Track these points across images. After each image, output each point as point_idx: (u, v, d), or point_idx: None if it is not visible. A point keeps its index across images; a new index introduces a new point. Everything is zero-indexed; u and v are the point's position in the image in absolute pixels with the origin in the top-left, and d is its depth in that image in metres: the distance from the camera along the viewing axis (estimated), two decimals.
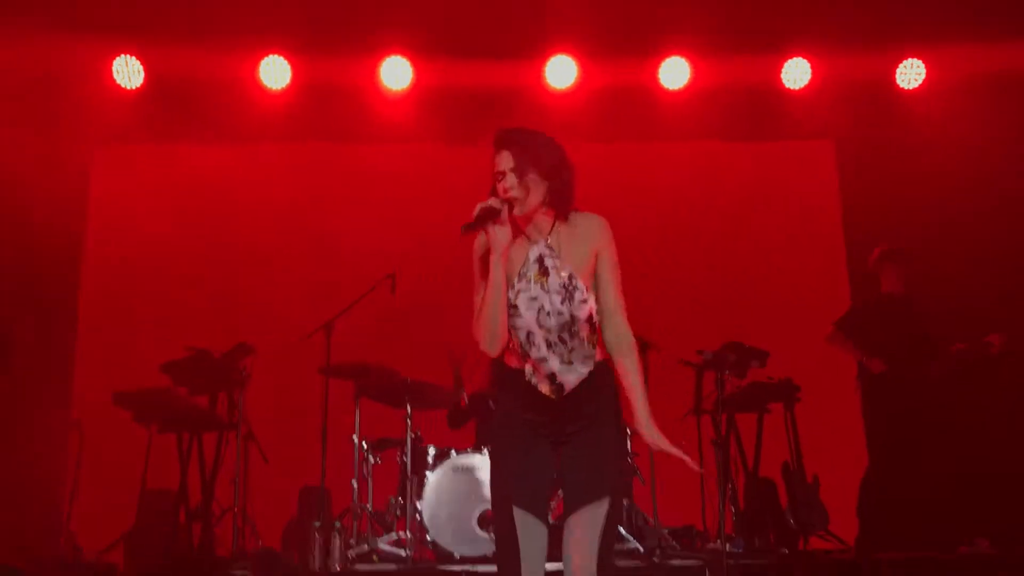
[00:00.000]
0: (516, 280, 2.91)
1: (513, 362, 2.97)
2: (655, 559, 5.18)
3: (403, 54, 7.23)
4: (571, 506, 2.88)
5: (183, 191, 7.18)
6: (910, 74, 7.31)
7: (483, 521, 5.23)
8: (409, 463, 5.48)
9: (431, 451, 5.51)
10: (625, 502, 5.54)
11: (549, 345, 2.88)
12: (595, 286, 2.95)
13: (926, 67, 7.27)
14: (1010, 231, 6.80)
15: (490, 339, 2.87)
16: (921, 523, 5.45)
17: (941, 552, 5.15)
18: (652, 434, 2.96)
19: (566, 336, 2.88)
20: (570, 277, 2.89)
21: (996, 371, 5.70)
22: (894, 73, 7.32)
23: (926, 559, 5.02)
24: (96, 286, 7.14)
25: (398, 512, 5.53)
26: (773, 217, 7.47)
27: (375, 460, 5.71)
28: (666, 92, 7.40)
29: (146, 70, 7.13)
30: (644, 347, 5.69)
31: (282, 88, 7.24)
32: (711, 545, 5.69)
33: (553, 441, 2.94)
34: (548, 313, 2.87)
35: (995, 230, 6.81)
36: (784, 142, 7.64)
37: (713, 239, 7.41)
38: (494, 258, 2.82)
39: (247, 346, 5.73)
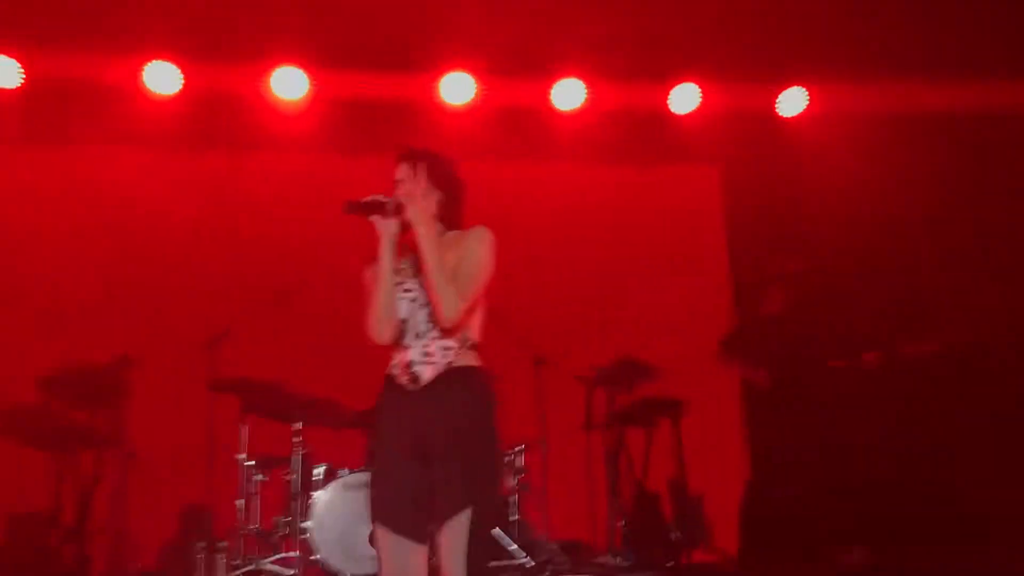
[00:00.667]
0: (397, 275, 3.07)
1: (390, 368, 3.07)
2: (547, 574, 5.21)
3: (298, 64, 7.12)
4: (436, 521, 2.91)
5: (62, 195, 6.87)
6: (792, 102, 7.60)
7: (374, 540, 5.16)
8: (299, 481, 5.37)
9: (320, 469, 5.42)
10: (515, 517, 5.58)
11: (416, 335, 3.01)
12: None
13: (809, 96, 7.58)
14: (886, 255, 7.13)
15: (377, 325, 3.00)
16: (800, 533, 5.63)
17: (821, 560, 5.34)
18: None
19: (430, 325, 3.01)
20: None
21: (871, 386, 5.96)
22: (775, 101, 7.61)
23: (806, 569, 5.20)
24: None
25: (286, 531, 5.41)
26: (661, 238, 7.66)
27: (262, 478, 5.57)
28: (559, 114, 7.51)
29: (26, 71, 6.82)
30: (538, 362, 5.76)
31: (172, 95, 7.04)
32: (600, 559, 5.77)
33: (423, 455, 2.94)
34: (421, 304, 3.03)
35: (871, 254, 7.14)
36: (672, 166, 7.85)
37: (603, 259, 7.52)
38: (381, 247, 3.01)
39: (127, 358, 5.52)
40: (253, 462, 5.53)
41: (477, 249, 3.05)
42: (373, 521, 2.95)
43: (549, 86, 7.41)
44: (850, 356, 5.89)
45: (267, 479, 5.56)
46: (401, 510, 2.91)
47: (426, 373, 2.97)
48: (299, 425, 5.45)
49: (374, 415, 3.07)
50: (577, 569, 5.45)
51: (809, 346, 5.91)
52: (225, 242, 6.98)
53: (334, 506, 5.23)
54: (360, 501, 5.25)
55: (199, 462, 5.43)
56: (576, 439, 5.97)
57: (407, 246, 3.09)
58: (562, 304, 7.22)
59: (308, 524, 5.20)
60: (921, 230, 7.11)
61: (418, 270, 3.02)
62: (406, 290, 3.06)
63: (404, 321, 3.03)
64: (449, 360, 2.98)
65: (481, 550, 2.89)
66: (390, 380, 3.04)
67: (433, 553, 2.96)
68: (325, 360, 6.49)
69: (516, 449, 5.77)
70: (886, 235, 7.17)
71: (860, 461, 5.85)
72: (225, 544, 5.01)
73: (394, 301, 3.01)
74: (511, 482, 5.76)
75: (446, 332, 3.00)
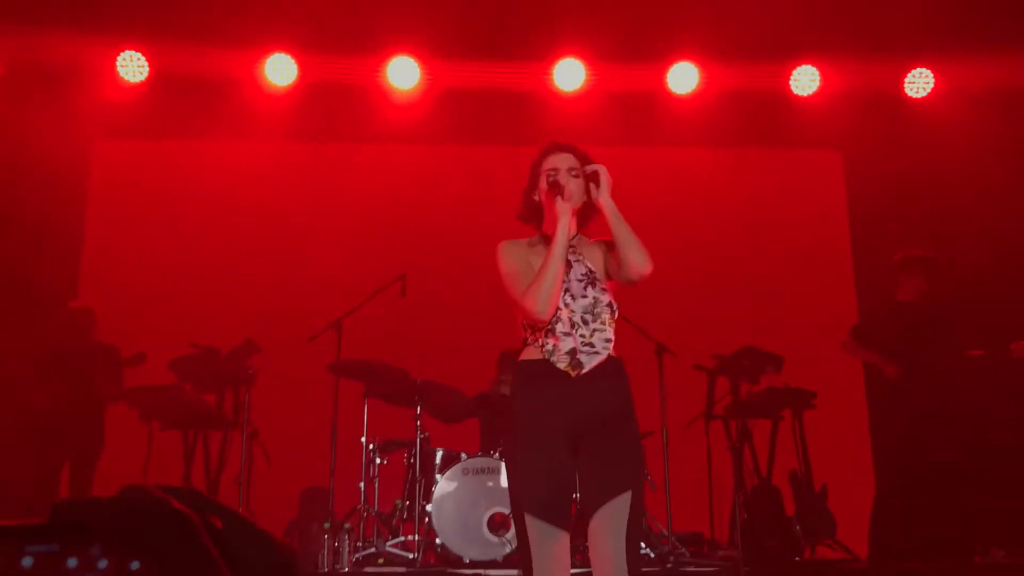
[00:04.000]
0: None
1: (531, 354, 3.10)
2: (668, 566, 5.12)
3: (411, 54, 7.18)
4: (593, 503, 2.91)
5: (188, 188, 7.12)
6: (918, 83, 7.33)
7: (493, 525, 5.16)
8: (417, 464, 5.41)
9: (439, 453, 5.45)
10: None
11: (572, 324, 3.05)
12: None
13: (935, 76, 7.29)
14: (1019, 240, 6.79)
15: (545, 301, 3.00)
16: (934, 532, 5.40)
17: (955, 562, 5.11)
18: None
19: (589, 318, 3.05)
20: (590, 270, 3.13)
21: (1016, 378, 5.66)
22: (903, 82, 7.34)
23: (939, 569, 4.98)
24: (96, 282, 7.02)
25: (404, 515, 5.45)
26: (783, 224, 7.46)
27: (382, 461, 5.62)
28: (674, 97, 7.39)
29: (151, 66, 7.05)
30: (660, 350, 5.65)
31: (288, 86, 7.19)
32: (722, 552, 5.64)
33: (572, 442, 2.99)
34: (573, 296, 3.08)
35: (1003, 239, 6.81)
36: (792, 150, 7.63)
37: (724, 245, 7.38)
38: (560, 226, 3.03)
39: (254, 344, 5.65)
40: (374, 445, 5.58)
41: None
42: (525, 510, 2.94)
43: (664, 70, 7.31)
44: (992, 346, 5.60)
45: (387, 462, 5.61)
46: (554, 499, 2.93)
47: (589, 362, 3.01)
48: (419, 410, 5.47)
49: (517, 399, 3.07)
50: (698, 562, 5.34)
51: (946, 335, 5.64)
52: (346, 230, 7.11)
53: (454, 490, 5.24)
54: (479, 486, 5.25)
55: (321, 445, 5.51)
56: (697, 430, 5.84)
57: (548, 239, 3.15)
58: (684, 292, 7.09)
59: (428, 508, 5.23)
60: None
61: (566, 266, 3.09)
62: None
63: (557, 309, 3.05)
64: (609, 352, 3.06)
65: (638, 534, 2.91)
66: (540, 366, 3.05)
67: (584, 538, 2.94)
68: (440, 346, 6.54)
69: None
70: (1019, 220, 6.82)
71: (998, 457, 5.56)
72: (349, 526, 5.06)
73: (560, 280, 3.04)
74: None
75: (607, 322, 3.06)
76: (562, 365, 3.01)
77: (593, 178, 3.10)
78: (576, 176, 3.15)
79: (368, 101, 7.31)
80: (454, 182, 7.14)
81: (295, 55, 7.14)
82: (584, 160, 3.21)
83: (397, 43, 7.17)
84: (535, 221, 3.25)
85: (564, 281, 3.07)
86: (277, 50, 7.13)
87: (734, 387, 5.53)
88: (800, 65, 7.29)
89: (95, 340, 6.08)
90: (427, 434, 5.54)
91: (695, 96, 7.37)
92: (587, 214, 3.22)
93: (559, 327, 3.04)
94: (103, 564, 1.36)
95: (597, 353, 3.02)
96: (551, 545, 2.90)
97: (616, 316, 3.09)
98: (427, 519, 5.22)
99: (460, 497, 5.24)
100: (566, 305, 3.06)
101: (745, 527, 5.63)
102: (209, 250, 7.04)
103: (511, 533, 5.00)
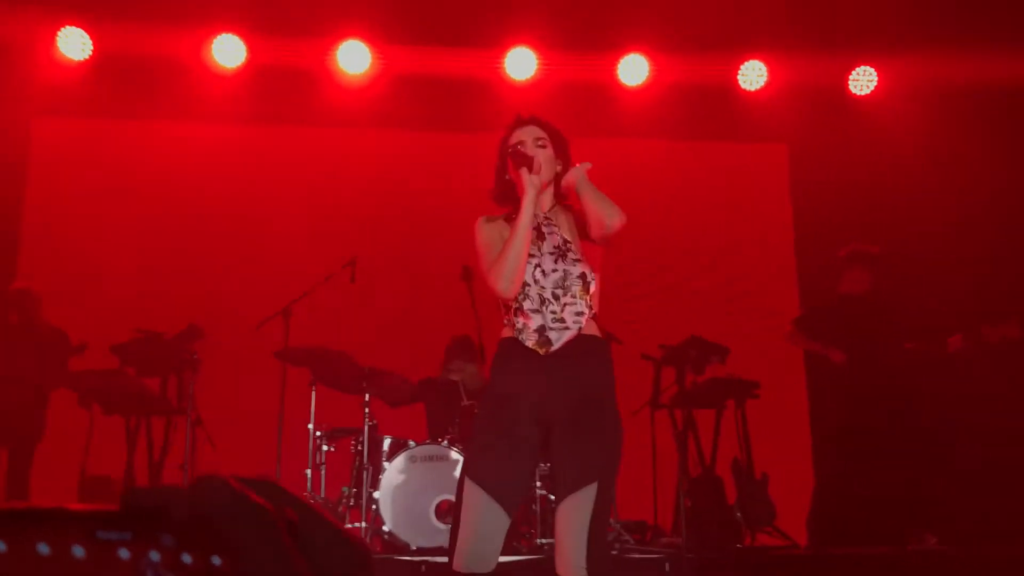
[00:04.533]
0: None
1: (506, 332, 3.02)
2: (613, 552, 5.18)
3: (362, 38, 7.12)
4: (560, 492, 2.84)
5: (132, 169, 6.99)
6: (862, 80, 7.47)
7: (440, 512, 5.17)
8: (365, 451, 5.40)
9: (387, 441, 5.44)
10: None
11: (542, 300, 2.95)
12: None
13: (878, 74, 7.44)
14: (958, 235, 6.97)
15: (508, 278, 2.91)
16: (869, 518, 5.55)
17: (889, 549, 5.26)
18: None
19: (559, 292, 2.95)
20: (564, 241, 3.02)
21: (951, 371, 5.84)
22: (847, 79, 7.48)
23: (874, 555, 5.12)
24: (36, 263, 6.86)
25: (351, 502, 5.44)
26: (729, 216, 7.57)
27: (329, 448, 5.60)
28: (625, 89, 7.44)
29: (94, 43, 6.89)
30: (607, 339, 5.69)
31: (236, 68, 7.08)
32: (665, 540, 5.73)
33: (543, 425, 2.90)
34: (544, 271, 2.97)
35: (943, 234, 6.99)
36: (739, 143, 7.74)
37: (671, 236, 7.47)
38: (526, 200, 2.94)
39: (198, 328, 5.56)
40: (320, 432, 5.56)
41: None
42: (467, 475, 2.86)
43: (615, 61, 7.35)
44: (931, 340, 5.75)
45: (334, 450, 5.59)
46: (502, 475, 2.85)
47: (559, 338, 2.92)
48: (367, 397, 5.46)
49: (490, 377, 3.02)
50: (642, 549, 5.41)
51: (889, 328, 5.78)
52: (292, 214, 7.04)
53: (402, 478, 5.24)
54: (427, 473, 5.26)
55: (268, 432, 5.47)
56: (643, 418, 5.91)
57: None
58: (630, 282, 7.16)
59: (376, 495, 5.22)
60: (998, 210, 6.93)
61: (538, 238, 2.99)
62: (529, 256, 2.97)
63: (526, 285, 2.96)
64: (580, 327, 2.94)
65: (602, 526, 2.81)
66: (513, 343, 2.97)
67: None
68: (388, 332, 6.52)
69: None
70: (960, 216, 7.00)
71: (930, 444, 5.73)
72: None
73: (526, 257, 2.94)
74: None
75: (579, 294, 2.96)
76: (530, 343, 2.92)
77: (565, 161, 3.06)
78: (543, 146, 3.06)
79: (318, 85, 7.23)
80: (405, 168, 7.10)
81: (244, 36, 7.04)
82: (551, 131, 3.13)
83: (348, 27, 7.10)
84: (511, 200, 3.12)
85: (536, 256, 2.97)
86: (226, 31, 7.02)
87: (680, 377, 5.61)
88: (748, 60, 7.39)
89: (42, 322, 5.96)
90: (375, 422, 5.53)
91: (645, 88, 7.42)
92: (559, 181, 3.10)
93: (527, 304, 2.95)
94: (187, 559, 1.33)
95: (567, 328, 2.91)
96: (484, 517, 2.79)
97: (593, 288, 2.99)
98: (374, 506, 5.22)
99: (407, 485, 5.24)
100: (536, 281, 2.96)
101: (688, 515, 5.72)
102: (154, 233, 6.93)
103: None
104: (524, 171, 2.96)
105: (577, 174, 2.99)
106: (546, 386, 2.89)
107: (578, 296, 2.96)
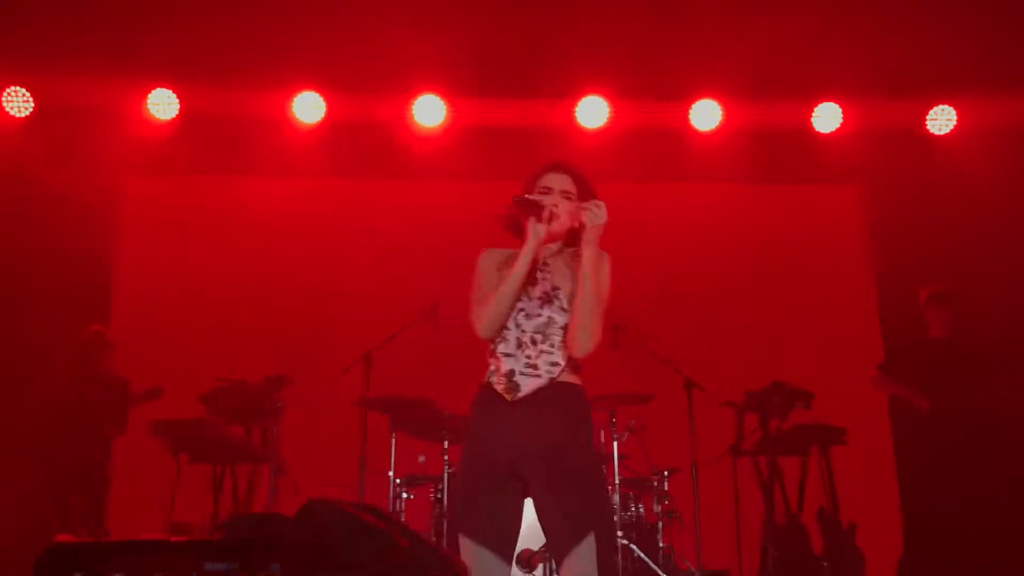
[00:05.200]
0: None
1: (485, 376, 3.02)
2: None
3: (437, 92, 7.28)
4: (556, 552, 2.78)
5: (217, 223, 7.21)
6: (940, 120, 7.36)
7: (520, 561, 5.13)
8: (444, 500, 5.39)
9: None
10: (663, 544, 5.47)
11: (519, 344, 2.90)
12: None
13: (956, 113, 7.32)
14: None
15: (488, 322, 2.91)
16: (960, 568, 5.35)
17: None
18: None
19: (539, 338, 2.90)
20: (553, 287, 2.97)
21: None
22: (924, 119, 7.37)
23: None
24: (127, 316, 7.09)
25: None
26: (808, 260, 7.47)
27: (408, 496, 5.62)
28: (697, 134, 7.45)
29: (181, 103, 7.17)
30: (689, 386, 5.67)
31: (316, 123, 7.28)
32: None
33: (516, 470, 2.85)
34: (527, 315, 2.93)
35: None
36: (816, 186, 7.66)
37: (750, 281, 7.39)
38: (525, 249, 2.91)
39: (283, 377, 5.67)
40: (400, 479, 5.58)
41: (606, 277, 2.99)
42: (459, 531, 2.85)
43: (686, 107, 7.37)
44: (1017, 385, 5.57)
45: (413, 497, 5.60)
46: (493, 524, 2.82)
47: (527, 384, 2.87)
48: (446, 444, 5.47)
49: (468, 422, 3.01)
50: None
51: (972, 372, 5.62)
52: (374, 264, 7.17)
53: None
54: None
55: (350, 478, 5.51)
56: (724, 466, 5.81)
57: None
58: (711, 328, 7.10)
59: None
60: None
61: (529, 283, 2.93)
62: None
63: (505, 329, 2.93)
64: (553, 376, 2.89)
65: (610, 572, 2.76)
66: (487, 388, 2.96)
67: None
68: (467, 379, 6.54)
69: (661, 474, 5.67)
70: None
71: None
72: None
73: (512, 305, 2.91)
74: (655, 508, 5.65)
75: (557, 344, 2.89)
76: (499, 387, 2.90)
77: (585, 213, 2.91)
78: (569, 199, 3.01)
79: (395, 138, 7.40)
80: (481, 217, 7.17)
81: (323, 93, 7.25)
82: (583, 185, 3.05)
83: (423, 81, 7.27)
84: (518, 234, 3.09)
85: (523, 300, 2.92)
86: (306, 88, 7.24)
87: (763, 423, 5.51)
88: (822, 102, 7.34)
89: (104, 370, 6.13)
90: (454, 469, 5.53)
91: (718, 132, 7.42)
92: (573, 233, 3.03)
93: (502, 347, 2.92)
94: None
95: (538, 376, 2.86)
96: (482, 569, 2.75)
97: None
98: None
99: None
100: (517, 325, 2.92)
101: (773, 565, 5.59)
102: (239, 284, 7.11)
103: (539, 571, 4.97)
104: (532, 220, 2.92)
105: (586, 253, 2.85)
106: (513, 433, 2.85)
107: (556, 346, 2.90)
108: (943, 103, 7.34)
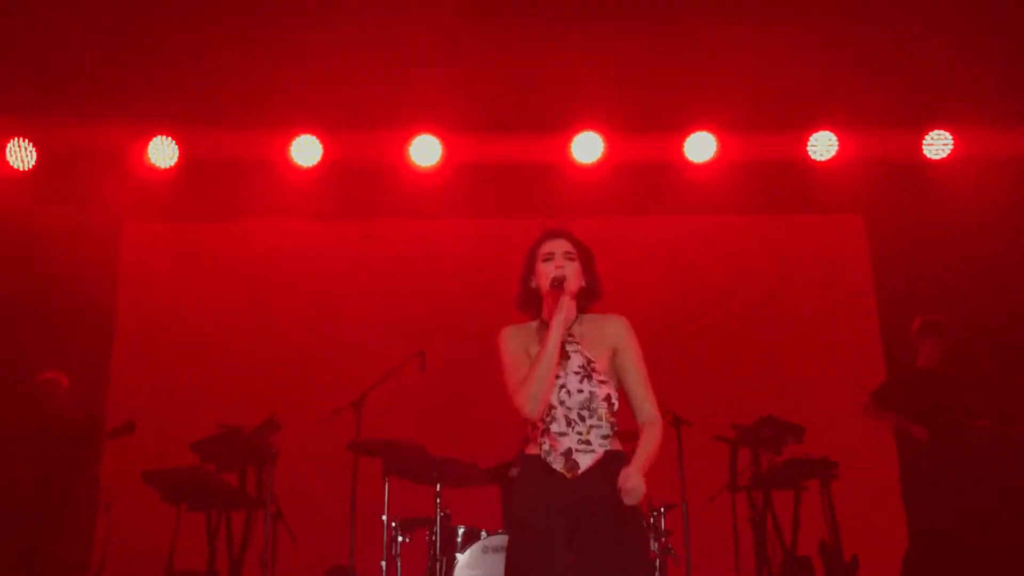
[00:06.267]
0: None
1: (532, 449, 3.12)
2: None
3: (432, 131, 7.33)
4: None
5: (215, 268, 7.30)
6: (937, 145, 7.31)
7: None
8: (438, 543, 5.37)
9: (460, 531, 5.41)
10: None
11: (568, 422, 3.04)
12: (622, 376, 3.15)
13: (953, 138, 7.28)
14: None
15: (534, 400, 2.99)
16: None
17: None
18: (633, 479, 2.94)
19: (585, 414, 3.04)
20: (588, 361, 3.10)
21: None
22: (921, 145, 7.33)
23: None
24: (128, 362, 7.17)
25: None
26: (804, 291, 7.42)
27: (404, 539, 5.59)
28: (692, 166, 7.44)
29: (180, 149, 7.27)
30: (677, 422, 5.61)
31: (312, 166, 7.35)
32: None
33: (570, 535, 3.00)
34: (568, 392, 3.06)
35: None
36: (813, 215, 7.62)
37: (745, 312, 7.35)
38: (555, 323, 3.04)
39: (276, 422, 5.68)
40: (395, 523, 5.56)
41: (633, 342, 3.16)
42: None
43: (681, 140, 7.37)
44: (1006, 418, 5.51)
45: (409, 540, 5.58)
46: None
47: (585, 461, 3.01)
48: (438, 487, 5.46)
49: (518, 494, 3.13)
50: None
51: (962, 403, 5.57)
52: (368, 306, 7.21)
53: (474, 568, 5.20)
54: (499, 564, 5.19)
55: (344, 523, 5.51)
56: (720, 502, 5.76)
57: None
58: (705, 361, 7.06)
59: None
60: None
61: (563, 356, 3.07)
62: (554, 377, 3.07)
63: (552, 408, 3.05)
64: (606, 448, 3.04)
65: None
66: (540, 462, 3.06)
67: None
68: (459, 420, 6.55)
69: (658, 511, 5.62)
70: None
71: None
72: None
73: (553, 379, 3.03)
74: (652, 546, 5.60)
75: (605, 417, 3.05)
76: (558, 466, 3.02)
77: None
78: (571, 259, 3.17)
79: (391, 178, 7.45)
80: (476, 256, 7.20)
81: (319, 136, 7.32)
82: (579, 246, 3.23)
83: (418, 121, 7.32)
84: (534, 308, 3.26)
85: (561, 376, 3.05)
86: (303, 131, 7.32)
87: (755, 458, 5.46)
88: (817, 131, 7.32)
89: (62, 410, 6.07)
90: (447, 511, 5.51)
91: (713, 164, 7.42)
92: (587, 295, 3.24)
93: (554, 427, 3.04)
94: None
95: (593, 451, 3.01)
96: None
97: (615, 409, 3.07)
98: None
99: (482, 575, 5.20)
100: (561, 403, 3.05)
101: None
102: (235, 329, 7.16)
103: None
104: (560, 294, 3.07)
105: (555, 328, 3.03)
106: (572, 505, 2.99)
107: (603, 419, 3.05)
108: (939, 128, 7.29)
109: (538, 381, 2.99)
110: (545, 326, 3.14)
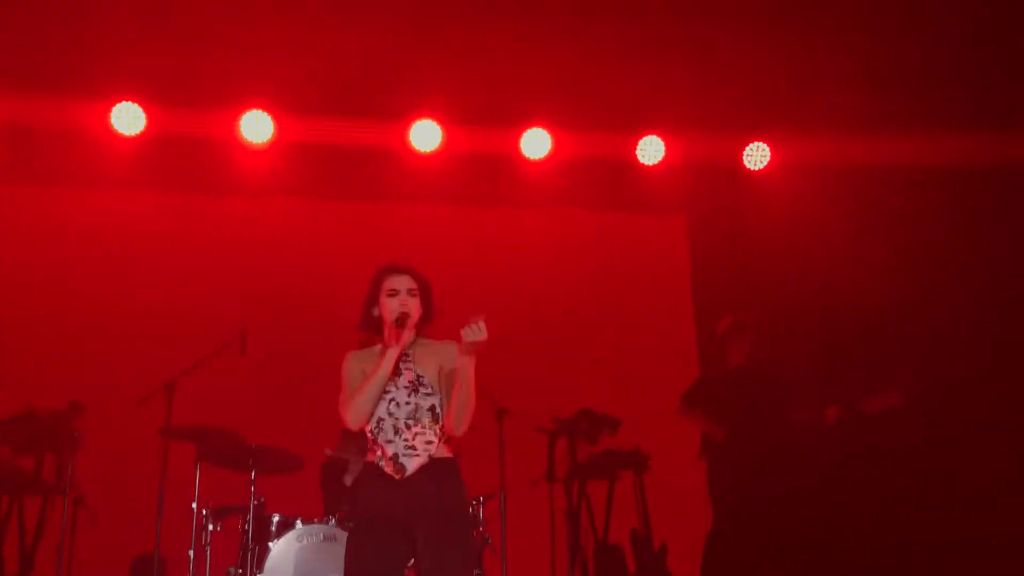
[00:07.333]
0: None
1: (370, 456, 3.47)
2: None
3: (265, 108, 7.11)
4: None
5: (20, 238, 6.79)
6: (756, 156, 7.70)
7: None
8: (251, 531, 5.24)
9: (275, 519, 5.29)
10: (476, 572, 5.47)
11: (396, 431, 3.38)
12: (447, 389, 3.42)
13: (771, 150, 7.69)
14: (848, 305, 7.16)
15: (355, 416, 3.36)
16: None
17: None
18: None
19: (411, 423, 3.38)
20: (418, 376, 3.45)
21: (832, 440, 5.98)
22: (742, 154, 7.71)
23: None
24: None
25: None
26: (626, 287, 7.67)
27: (215, 528, 5.42)
28: (527, 161, 7.55)
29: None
30: (500, 413, 5.69)
31: (136, 135, 7.00)
32: None
33: (408, 533, 3.35)
34: (397, 403, 3.40)
35: (834, 304, 7.18)
36: (638, 215, 7.88)
37: (568, 306, 7.52)
38: (390, 354, 3.35)
39: (78, 405, 5.40)
40: (206, 511, 5.39)
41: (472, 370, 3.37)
42: None
43: (518, 135, 7.45)
44: (811, 410, 5.88)
45: (220, 529, 5.41)
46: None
47: (412, 464, 3.35)
48: (253, 474, 5.32)
49: (358, 498, 3.50)
50: None
51: (771, 398, 5.90)
52: (183, 285, 6.90)
53: (288, 557, 5.10)
54: (315, 552, 5.13)
55: (151, 511, 5.29)
56: (538, 491, 5.88)
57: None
58: (524, 354, 7.17)
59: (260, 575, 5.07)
60: (883, 282, 7.15)
61: (395, 373, 3.39)
62: (384, 392, 3.38)
63: (381, 420, 3.37)
64: (431, 453, 3.37)
65: None
66: (374, 467, 3.41)
67: None
68: (279, 406, 6.41)
69: (477, 500, 5.67)
70: (848, 287, 7.21)
71: (819, 512, 5.84)
72: None
73: (378, 400, 3.36)
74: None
75: (428, 425, 3.39)
76: (388, 469, 3.36)
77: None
78: (414, 296, 3.45)
79: (220, 154, 7.17)
80: (304, 237, 7.06)
81: (144, 105, 6.97)
82: (421, 280, 3.49)
83: (251, 97, 7.09)
84: (375, 331, 3.51)
85: (391, 390, 3.38)
86: (126, 99, 6.95)
87: (572, 449, 5.62)
88: (646, 135, 7.57)
89: None
90: (262, 499, 5.38)
91: (547, 160, 7.53)
92: (423, 322, 3.50)
93: (381, 436, 3.38)
94: None
95: (418, 455, 3.35)
96: None
97: (440, 418, 3.39)
98: None
99: (295, 564, 5.10)
100: (390, 414, 3.38)
101: None
102: (34, 306, 6.71)
103: None
104: (402, 331, 3.35)
105: (469, 354, 3.28)
106: (404, 504, 3.34)
107: (428, 426, 3.39)
108: (760, 140, 7.69)
109: (361, 403, 3.33)
110: (383, 353, 3.42)
